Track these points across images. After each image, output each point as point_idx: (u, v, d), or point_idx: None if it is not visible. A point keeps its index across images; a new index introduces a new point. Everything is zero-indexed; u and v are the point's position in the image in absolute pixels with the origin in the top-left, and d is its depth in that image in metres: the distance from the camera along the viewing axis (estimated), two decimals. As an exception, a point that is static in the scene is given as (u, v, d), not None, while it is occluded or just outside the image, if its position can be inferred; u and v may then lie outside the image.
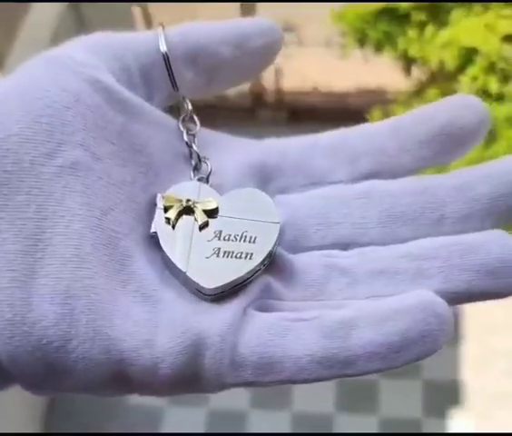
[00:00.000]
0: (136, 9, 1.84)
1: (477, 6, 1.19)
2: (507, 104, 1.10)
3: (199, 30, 0.30)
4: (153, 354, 0.25)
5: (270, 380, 0.26)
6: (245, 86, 2.38)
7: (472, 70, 1.14)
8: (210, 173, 0.30)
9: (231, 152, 0.31)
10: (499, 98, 1.13)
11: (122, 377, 0.26)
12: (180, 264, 0.27)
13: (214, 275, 0.27)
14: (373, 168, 0.30)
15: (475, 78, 1.13)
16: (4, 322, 0.24)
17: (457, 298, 0.26)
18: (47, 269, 0.25)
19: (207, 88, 0.31)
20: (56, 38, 1.86)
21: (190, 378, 0.26)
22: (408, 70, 1.34)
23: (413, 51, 1.23)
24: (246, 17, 0.31)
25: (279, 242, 0.28)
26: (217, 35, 0.30)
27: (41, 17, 1.71)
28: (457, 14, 1.17)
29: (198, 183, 0.29)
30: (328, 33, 1.72)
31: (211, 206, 0.29)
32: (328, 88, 1.86)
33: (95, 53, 0.29)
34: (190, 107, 0.31)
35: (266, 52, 0.31)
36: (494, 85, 1.12)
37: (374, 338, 0.25)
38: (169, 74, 0.30)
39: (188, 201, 0.28)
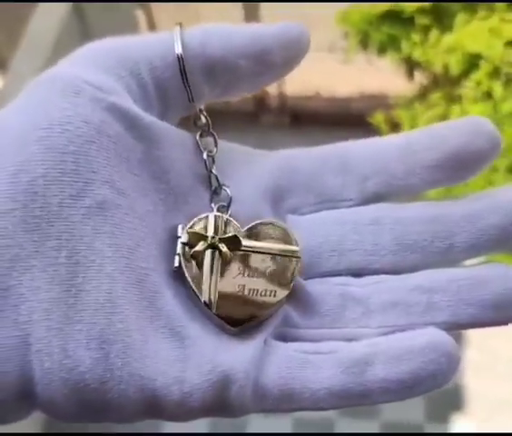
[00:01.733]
0: (140, 13, 1.85)
1: (482, 11, 1.19)
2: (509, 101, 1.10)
3: (219, 40, 0.28)
4: (183, 390, 0.26)
5: (289, 408, 0.27)
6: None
7: (476, 75, 1.14)
8: (230, 201, 0.30)
9: (247, 174, 0.30)
10: (503, 102, 1.13)
11: (154, 411, 0.26)
12: (206, 302, 0.28)
13: (240, 313, 0.28)
14: (382, 189, 0.30)
15: (479, 83, 1.13)
16: (42, 371, 0.25)
17: (462, 327, 0.28)
18: (81, 314, 0.25)
19: (221, 97, 0.30)
20: (60, 42, 1.87)
21: (216, 408, 0.27)
22: (410, 74, 1.34)
23: (417, 55, 1.23)
24: (269, 24, 0.29)
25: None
26: (237, 47, 0.28)
27: (44, 22, 1.71)
28: (461, 18, 1.17)
29: (220, 215, 0.29)
30: (331, 37, 1.72)
31: (235, 242, 0.29)
32: (330, 93, 1.86)
33: (110, 72, 0.27)
34: (209, 122, 0.30)
35: (287, 63, 0.29)
36: (498, 90, 1.12)
37: (388, 376, 0.26)
38: (184, 83, 0.28)
39: (213, 238, 0.28)
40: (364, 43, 1.29)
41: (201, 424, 1.46)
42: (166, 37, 0.28)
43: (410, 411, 1.47)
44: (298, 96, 1.88)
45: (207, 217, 0.29)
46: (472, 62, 1.15)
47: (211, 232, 0.28)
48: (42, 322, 0.24)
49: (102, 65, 0.27)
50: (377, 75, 1.58)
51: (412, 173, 0.29)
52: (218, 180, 0.29)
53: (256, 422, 1.47)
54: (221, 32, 0.28)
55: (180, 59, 0.27)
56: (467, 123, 0.29)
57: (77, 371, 0.25)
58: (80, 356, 0.25)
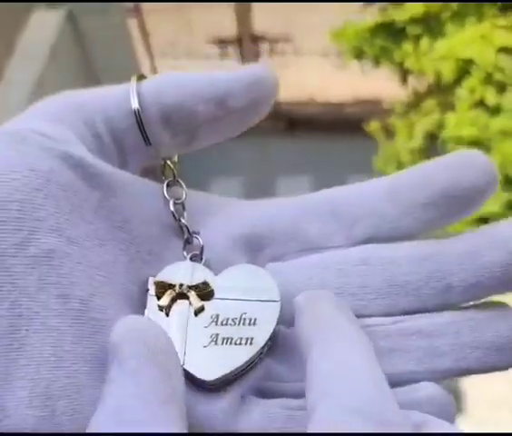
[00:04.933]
0: (132, 21, 1.85)
1: (472, 17, 1.19)
2: (502, 116, 1.10)
3: (174, 86, 0.27)
4: None
5: None
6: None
7: (469, 82, 1.15)
8: (202, 249, 0.28)
9: (220, 221, 0.29)
10: (496, 110, 1.13)
11: None
12: None
13: (213, 366, 0.25)
14: (371, 233, 0.28)
15: (472, 90, 1.14)
16: None
17: (467, 373, 0.26)
18: (24, 370, 0.23)
19: (188, 147, 0.29)
20: (54, 52, 1.87)
21: None
22: (404, 81, 1.35)
23: (409, 64, 1.24)
24: (232, 68, 0.27)
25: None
26: (195, 93, 0.27)
27: (39, 31, 1.71)
28: (452, 26, 1.17)
29: (191, 263, 0.28)
30: (324, 42, 1.73)
31: (206, 289, 0.27)
32: (325, 98, 1.86)
33: (63, 122, 0.26)
34: (174, 171, 0.29)
35: (252, 107, 0.28)
36: (491, 97, 1.12)
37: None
38: (141, 132, 0.27)
39: (181, 286, 0.27)
40: (359, 57, 1.30)
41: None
42: (122, 89, 0.28)
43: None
44: (292, 102, 1.88)
45: (177, 265, 0.28)
46: (464, 69, 1.16)
47: (179, 281, 0.27)
48: None
49: (54, 117, 0.27)
50: (371, 82, 1.59)
51: (403, 213, 0.27)
52: (188, 229, 0.28)
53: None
54: (176, 78, 0.27)
55: (136, 113, 0.27)
56: (457, 158, 0.27)
57: (20, 432, 0.22)
58: (22, 415, 0.22)
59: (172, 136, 0.28)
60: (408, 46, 1.23)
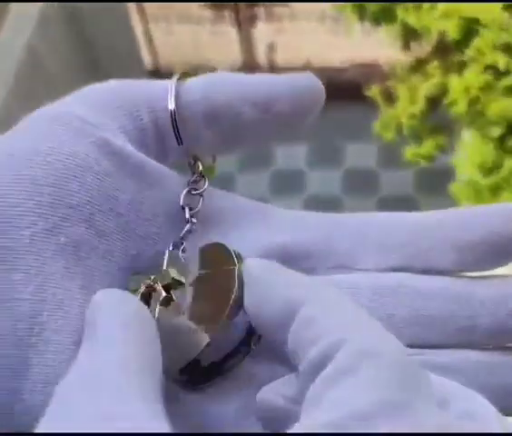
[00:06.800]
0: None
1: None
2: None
3: (223, 85, 0.27)
4: None
5: None
6: (237, 61, 2.36)
7: (477, 43, 1.12)
8: (185, 234, 0.28)
9: (254, 228, 0.29)
10: (506, 72, 1.11)
11: None
12: None
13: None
14: (403, 263, 0.28)
15: (481, 53, 1.11)
16: None
17: None
18: (42, 356, 0.23)
19: (228, 148, 0.29)
20: (44, 17, 1.84)
21: None
22: (407, 45, 1.32)
23: (412, 21, 1.21)
24: (279, 74, 0.27)
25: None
26: (242, 93, 0.27)
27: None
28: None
29: (172, 252, 0.27)
30: (321, 7, 1.69)
31: (169, 280, 0.26)
32: (322, 63, 1.83)
33: (106, 110, 0.27)
34: (200, 168, 0.28)
35: (297, 114, 0.27)
36: (502, 61, 1.10)
37: None
38: (175, 133, 0.27)
39: (148, 278, 0.26)
40: (360, 15, 1.27)
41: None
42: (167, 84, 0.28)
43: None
44: (289, 67, 1.85)
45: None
46: (470, 28, 1.13)
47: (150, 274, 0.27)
48: None
49: (98, 104, 0.27)
50: (369, 45, 1.56)
51: (439, 252, 0.28)
52: (191, 220, 0.27)
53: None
54: (225, 78, 0.27)
55: (172, 114, 0.27)
56: (498, 209, 0.28)
57: (29, 418, 0.23)
58: (34, 401, 0.23)
59: (214, 136, 0.27)
60: (409, 3, 1.20)
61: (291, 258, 0.28)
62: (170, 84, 0.27)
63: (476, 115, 1.17)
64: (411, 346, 0.26)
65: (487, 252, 0.27)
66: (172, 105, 0.27)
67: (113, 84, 0.28)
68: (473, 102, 1.12)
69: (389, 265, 0.28)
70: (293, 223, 0.29)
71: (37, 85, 1.83)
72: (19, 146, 0.25)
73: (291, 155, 2.10)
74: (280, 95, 0.27)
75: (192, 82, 0.27)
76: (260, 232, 0.28)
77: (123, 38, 2.11)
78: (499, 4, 1.12)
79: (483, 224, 0.28)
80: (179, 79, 0.27)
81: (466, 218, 0.28)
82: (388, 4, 1.21)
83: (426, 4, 1.19)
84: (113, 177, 0.26)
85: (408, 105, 1.31)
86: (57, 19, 1.96)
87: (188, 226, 0.28)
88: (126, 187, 0.26)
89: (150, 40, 2.15)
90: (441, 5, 1.15)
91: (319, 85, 0.27)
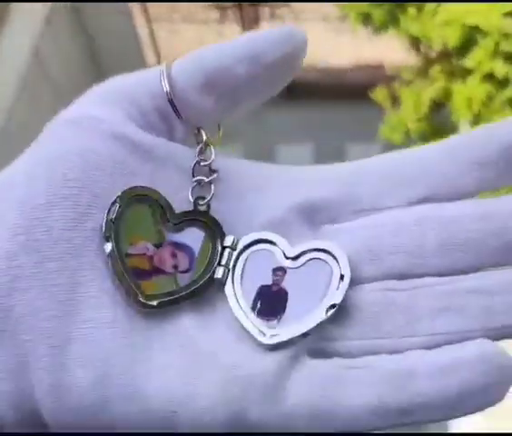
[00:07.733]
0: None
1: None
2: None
3: (210, 53, 0.29)
4: (196, 407, 0.25)
5: (321, 426, 0.25)
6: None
7: (477, 53, 1.12)
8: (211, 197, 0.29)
9: (276, 188, 0.29)
10: (505, 81, 1.11)
11: (167, 427, 0.25)
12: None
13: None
14: (428, 193, 0.28)
15: (480, 63, 1.11)
16: (45, 388, 0.25)
17: None
18: (82, 333, 0.25)
19: (231, 111, 0.30)
20: (50, 18, 1.84)
21: (238, 425, 0.25)
22: (417, 48, 1.32)
23: (414, 29, 1.21)
24: (258, 31, 0.29)
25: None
26: (229, 54, 0.29)
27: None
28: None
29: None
30: (325, 7, 1.69)
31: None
32: (325, 64, 1.83)
33: (112, 104, 0.29)
34: (204, 137, 0.30)
35: (286, 63, 0.29)
36: (500, 69, 1.10)
37: (432, 390, 0.24)
38: (173, 109, 0.29)
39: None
40: (365, 21, 1.27)
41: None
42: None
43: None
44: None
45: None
46: (471, 36, 1.13)
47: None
48: (43, 339, 0.25)
49: (104, 100, 0.29)
50: (373, 47, 1.56)
51: (462, 172, 0.28)
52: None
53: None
54: (212, 47, 0.29)
55: (168, 95, 0.29)
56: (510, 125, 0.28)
57: (76, 391, 0.25)
58: (78, 375, 0.25)
59: (215, 101, 0.29)
60: (412, 10, 1.20)
61: (314, 211, 0.29)
62: (161, 69, 0.29)
63: (479, 124, 1.18)
64: (446, 274, 0.26)
65: (509, 164, 0.27)
66: (166, 87, 0.29)
67: (113, 79, 0.30)
68: (476, 116, 1.12)
69: (413, 199, 0.28)
70: (313, 178, 0.30)
71: (42, 86, 1.83)
72: (45, 153, 0.27)
73: (295, 156, 2.11)
74: (265, 47, 0.28)
75: (181, 59, 0.29)
76: (284, 189, 0.29)
77: (128, 39, 2.11)
78: (500, 11, 1.12)
79: (503, 137, 0.28)
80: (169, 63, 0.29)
81: (485, 134, 0.28)
82: (391, 10, 1.21)
83: (427, 9, 1.19)
84: (129, 163, 0.28)
85: (412, 109, 1.31)
86: (62, 20, 1.96)
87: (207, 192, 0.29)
88: (143, 170, 0.28)
89: (154, 41, 2.15)
90: (442, 12, 1.16)
91: (301, 32, 0.29)
